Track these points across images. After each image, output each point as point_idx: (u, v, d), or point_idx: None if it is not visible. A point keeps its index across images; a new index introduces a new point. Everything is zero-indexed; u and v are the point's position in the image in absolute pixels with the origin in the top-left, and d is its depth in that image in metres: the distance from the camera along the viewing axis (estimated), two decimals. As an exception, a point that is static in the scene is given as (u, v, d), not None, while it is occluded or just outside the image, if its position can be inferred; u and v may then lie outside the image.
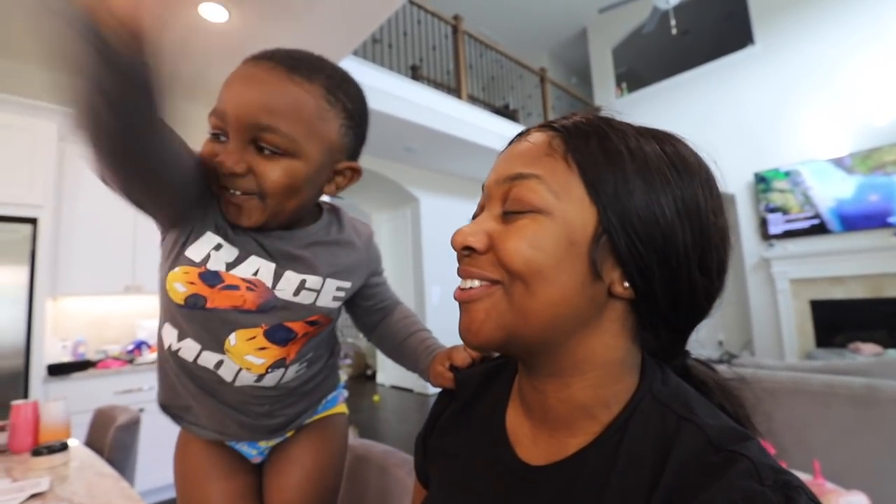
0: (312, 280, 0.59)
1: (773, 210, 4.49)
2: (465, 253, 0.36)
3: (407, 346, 0.69)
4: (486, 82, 5.73)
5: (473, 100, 4.68)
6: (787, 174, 4.41)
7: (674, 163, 0.33)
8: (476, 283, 0.35)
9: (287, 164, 0.51)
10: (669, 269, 0.32)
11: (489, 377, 0.47)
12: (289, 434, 0.71)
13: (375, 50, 3.87)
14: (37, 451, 1.02)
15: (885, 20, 3.95)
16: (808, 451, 1.63)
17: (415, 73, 4.16)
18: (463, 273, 0.36)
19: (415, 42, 4.29)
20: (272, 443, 0.70)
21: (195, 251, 0.53)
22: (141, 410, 2.09)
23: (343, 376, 0.78)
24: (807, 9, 4.40)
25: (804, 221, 4.32)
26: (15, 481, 0.90)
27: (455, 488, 0.41)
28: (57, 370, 2.18)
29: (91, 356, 2.48)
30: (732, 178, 4.64)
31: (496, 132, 4.31)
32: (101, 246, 2.46)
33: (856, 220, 4.06)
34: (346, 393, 0.79)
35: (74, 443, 1.16)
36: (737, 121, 4.77)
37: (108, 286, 2.45)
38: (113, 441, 1.22)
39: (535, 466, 0.36)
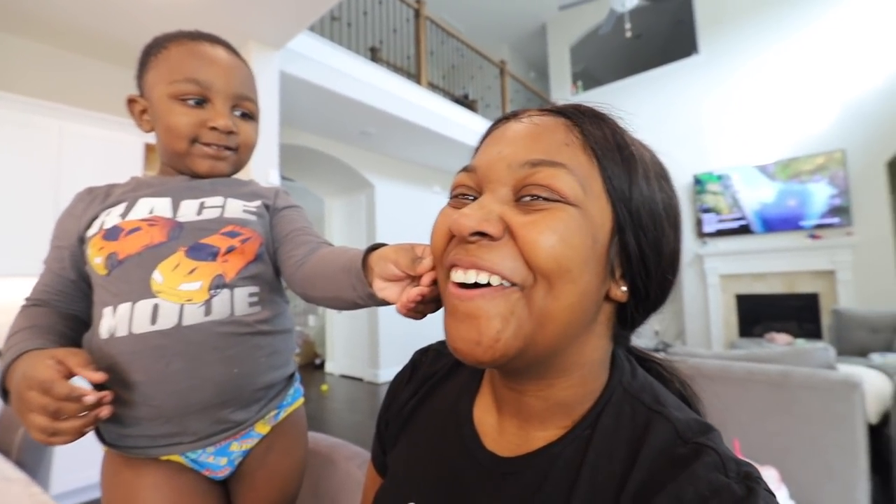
0: (212, 200, 0.62)
1: (706, 210, 4.84)
2: (473, 240, 0.30)
3: (338, 262, 0.52)
4: (446, 70, 5.68)
5: (433, 87, 4.62)
6: (719, 178, 4.75)
7: (658, 169, 0.34)
8: (486, 278, 0.30)
9: (255, 125, 0.67)
10: (661, 271, 0.33)
11: (458, 362, 0.45)
12: (261, 431, 0.63)
13: (333, 28, 3.71)
14: (-73, 455, 0.89)
15: (811, 41, 4.33)
16: (729, 431, 1.81)
17: (374, 55, 4.03)
18: (468, 263, 0.30)
19: (375, 23, 4.15)
20: (246, 445, 0.62)
21: (91, 230, 0.58)
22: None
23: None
24: (746, 24, 4.72)
25: (733, 222, 4.70)
26: None
27: (416, 477, 0.40)
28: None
29: (-1, 345, 2.22)
30: (675, 179, 4.93)
31: (455, 121, 4.29)
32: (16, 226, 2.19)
33: (775, 223, 4.47)
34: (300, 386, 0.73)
35: (-24, 443, 1.03)
36: (680, 125, 5.06)
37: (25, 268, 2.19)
38: (22, 441, 1.09)
39: (504, 458, 0.35)
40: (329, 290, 0.52)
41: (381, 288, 0.44)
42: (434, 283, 0.38)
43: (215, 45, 0.62)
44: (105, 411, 0.47)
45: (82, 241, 0.59)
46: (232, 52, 0.64)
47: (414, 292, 0.39)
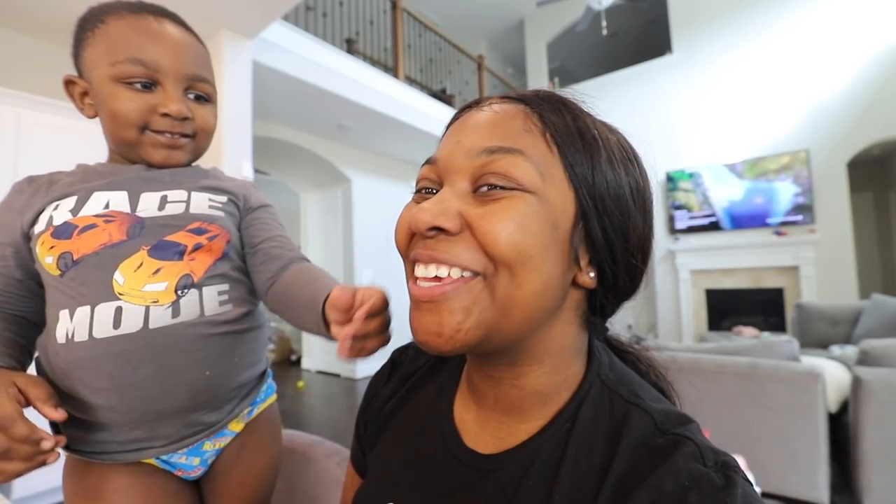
0: (175, 194, 0.57)
1: (678, 207, 4.97)
2: (431, 234, 0.31)
3: (304, 295, 0.52)
4: (423, 64, 5.63)
5: (411, 81, 4.57)
6: (690, 175, 4.89)
7: (626, 153, 0.34)
8: (445, 272, 0.30)
9: (213, 108, 0.61)
10: (629, 257, 0.33)
11: (438, 360, 0.45)
12: (235, 429, 0.62)
13: (308, 17, 3.62)
14: None
15: (778, 44, 4.49)
16: (700, 422, 1.88)
17: (350, 47, 3.95)
18: (427, 258, 0.31)
19: (351, 13, 4.07)
20: (220, 444, 0.60)
21: (38, 227, 0.52)
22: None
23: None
24: (718, 26, 4.86)
25: (703, 219, 4.84)
26: None
27: (396, 477, 0.39)
28: None
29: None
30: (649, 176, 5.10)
31: (433, 116, 4.26)
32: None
33: (743, 220, 4.63)
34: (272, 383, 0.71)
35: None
36: (654, 123, 5.18)
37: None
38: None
39: (484, 455, 0.35)
40: (295, 321, 0.54)
41: (338, 333, 0.44)
42: (366, 317, 0.40)
43: (161, 19, 0.56)
44: (53, 457, 0.44)
45: (28, 238, 0.53)
46: (181, 25, 0.58)
47: (344, 332, 0.40)
